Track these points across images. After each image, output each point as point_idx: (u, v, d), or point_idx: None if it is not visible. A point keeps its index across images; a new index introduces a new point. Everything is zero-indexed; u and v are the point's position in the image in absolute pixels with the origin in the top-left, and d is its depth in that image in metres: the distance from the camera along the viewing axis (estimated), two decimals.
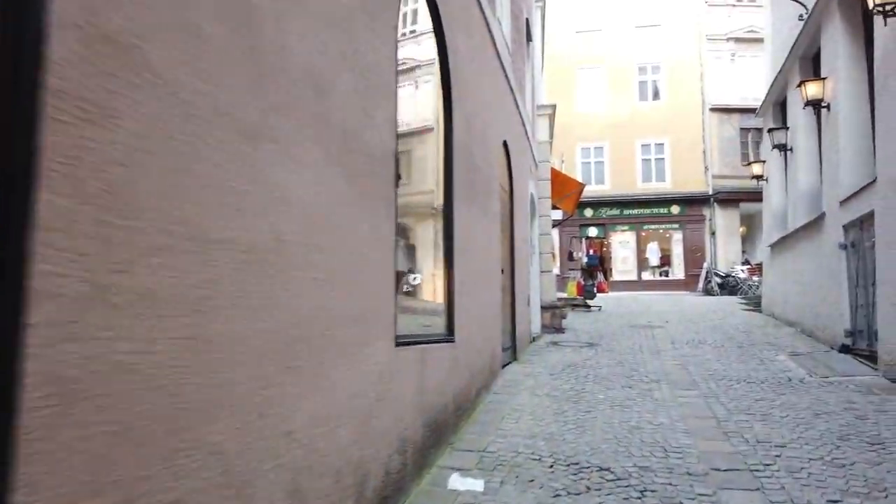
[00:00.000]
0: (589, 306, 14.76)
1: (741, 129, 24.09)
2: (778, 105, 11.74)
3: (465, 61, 5.04)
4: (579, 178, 25.03)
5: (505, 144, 7.38)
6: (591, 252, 14.91)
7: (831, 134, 8.09)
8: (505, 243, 7.54)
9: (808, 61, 9.68)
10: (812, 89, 8.21)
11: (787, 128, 10.25)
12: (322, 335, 2.35)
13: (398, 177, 3.34)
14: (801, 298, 9.55)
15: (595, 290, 14.65)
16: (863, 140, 7.63)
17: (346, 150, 2.61)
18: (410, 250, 4.41)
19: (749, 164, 12.71)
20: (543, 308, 11.08)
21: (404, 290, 4.06)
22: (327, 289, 2.38)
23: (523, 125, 9.19)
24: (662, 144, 24.49)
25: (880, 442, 4.19)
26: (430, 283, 4.55)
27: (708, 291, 20.81)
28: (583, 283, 14.87)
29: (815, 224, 8.80)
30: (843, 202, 7.62)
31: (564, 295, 15.47)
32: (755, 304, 14.42)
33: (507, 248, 7.66)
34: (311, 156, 2.31)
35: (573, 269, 15.33)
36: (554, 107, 12.13)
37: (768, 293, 12.16)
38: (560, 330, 10.99)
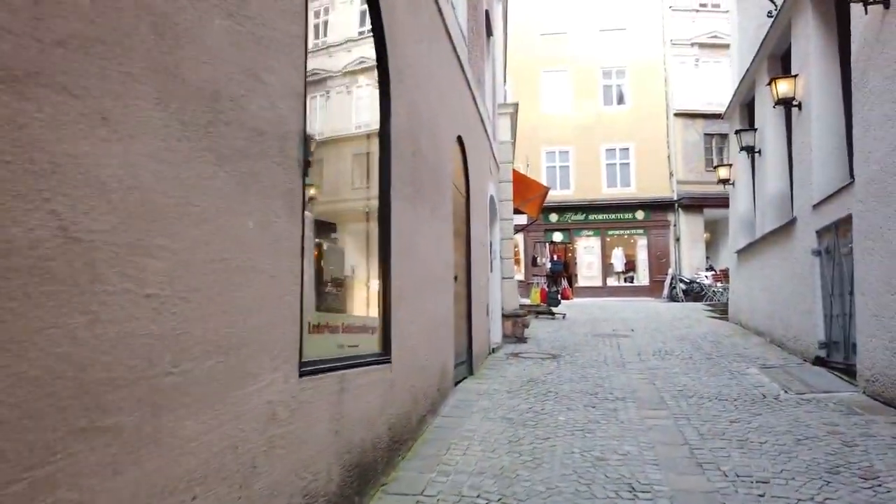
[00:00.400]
0: (553, 314, 14.26)
1: (705, 134, 24.04)
2: (745, 107, 11.42)
3: (408, 33, 4.41)
4: (544, 183, 24.69)
5: (460, 140, 6.78)
6: (555, 258, 14.40)
7: (803, 134, 7.70)
8: (460, 248, 6.93)
9: (776, 60, 9.32)
10: (783, 87, 7.82)
11: (755, 129, 9.90)
12: (165, 374, 1.67)
13: (307, 163, 2.68)
14: (771, 307, 9.16)
15: (559, 296, 14.15)
16: (836, 139, 7.24)
17: (215, 121, 1.94)
18: (338, 255, 3.75)
19: (716, 167, 12.38)
20: (505, 317, 10.51)
21: (326, 303, 3.39)
22: (174, 308, 1.71)
23: (482, 122, 8.61)
24: (627, 149, 24.27)
25: (874, 476, 3.68)
26: (363, 292, 3.89)
27: (673, 298, 20.58)
28: (546, 289, 14.34)
29: (786, 229, 8.41)
30: (817, 206, 7.21)
31: (528, 302, 14.94)
32: (721, 311, 14.10)
33: (462, 253, 7.04)
34: (149, 122, 1.64)
35: (538, 276, 14.81)
36: (516, 105, 11.60)
37: (735, 301, 11.81)
38: (522, 340, 10.42)
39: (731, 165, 12.00)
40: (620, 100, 24.68)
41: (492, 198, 9.94)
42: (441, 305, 5.37)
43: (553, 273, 14.48)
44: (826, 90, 7.30)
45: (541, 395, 6.13)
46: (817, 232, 7.20)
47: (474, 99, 7.76)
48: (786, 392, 6.03)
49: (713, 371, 7.30)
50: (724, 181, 12.07)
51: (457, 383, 6.48)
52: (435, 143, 5.34)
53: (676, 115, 23.94)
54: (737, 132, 10.19)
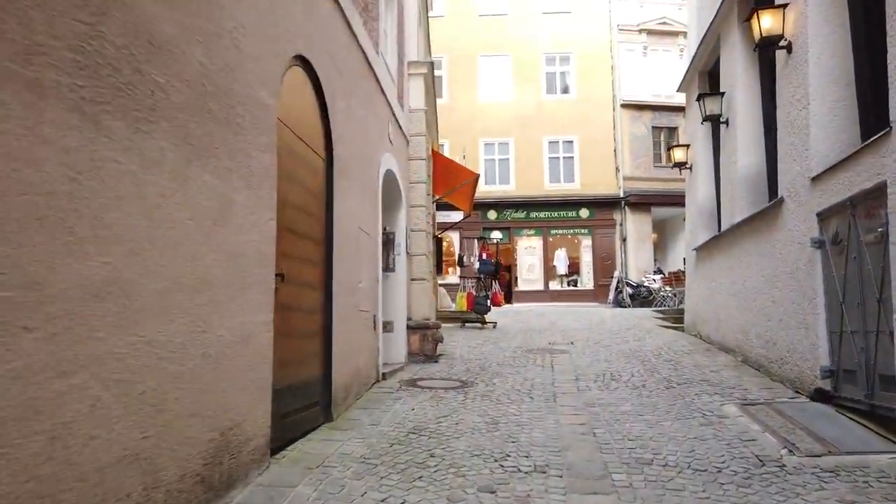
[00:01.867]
0: (483, 323, 12.07)
1: (653, 127, 22.46)
2: (706, 75, 9.49)
3: None
4: (482, 177, 22.60)
5: (306, 65, 4.44)
6: (485, 257, 12.19)
7: (794, 86, 5.69)
8: (310, 231, 4.59)
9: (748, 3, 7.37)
10: (767, 22, 5.80)
11: (722, 94, 7.92)
12: None
13: None
14: (744, 317, 7.16)
15: (488, 302, 11.96)
16: (843, 89, 5.25)
17: None
18: None
19: (670, 148, 10.42)
20: (412, 329, 8.22)
21: None
22: None
23: (368, 64, 6.30)
24: (571, 142, 22.44)
25: None
26: None
27: (619, 303, 18.74)
28: (474, 294, 12.15)
29: (767, 215, 6.42)
30: (818, 179, 5.20)
31: (454, 308, 12.70)
32: (675, 319, 12.20)
33: (316, 241, 4.70)
34: None
35: (466, 278, 12.60)
36: (430, 65, 9.33)
37: (693, 308, 9.85)
38: (432, 358, 8.15)
39: (687, 146, 10.07)
40: (564, 89, 22.83)
41: (392, 175, 7.64)
42: (217, 325, 3.01)
43: (482, 275, 12.25)
44: (830, 24, 5.31)
45: (415, 465, 3.83)
46: (819, 215, 5.18)
47: (348, 22, 5.43)
48: (791, 453, 3.91)
49: (677, 409, 5.18)
50: (680, 165, 10.13)
51: (293, 440, 4.12)
52: (210, 35, 3.01)
53: (623, 106, 22.26)
54: (699, 98, 8.19)
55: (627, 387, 6.20)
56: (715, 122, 8.13)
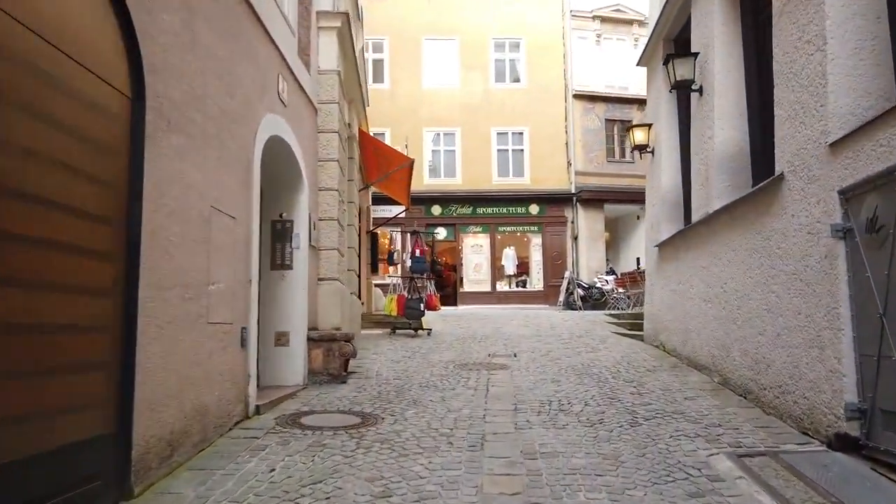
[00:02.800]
0: (416, 329, 10.45)
1: (607, 120, 21.29)
2: (671, 42, 8.12)
3: None
4: (426, 169, 21.03)
5: None
6: (418, 253, 10.57)
7: (804, 22, 4.27)
8: (91, 206, 2.88)
9: None
10: None
11: (696, 54, 6.52)
12: None
13: None
14: (724, 329, 5.75)
15: (422, 306, 10.35)
16: (871, 24, 3.85)
17: None
18: None
19: (629, 128, 9.01)
20: (315, 342, 6.53)
21: None
22: None
23: None
24: (521, 134, 21.06)
25: None
26: None
27: (569, 305, 17.42)
28: (406, 296, 10.53)
29: (756, 200, 5.01)
30: (840, 144, 3.78)
31: (383, 312, 11.06)
32: (631, 325, 10.85)
33: (99, 223, 2.99)
34: None
35: (395, 277, 10.93)
36: (346, 18, 7.63)
37: (655, 315, 8.46)
38: (338, 378, 6.49)
39: (649, 126, 8.69)
40: (514, 77, 21.44)
41: (284, 145, 5.94)
42: None
43: (414, 274, 10.62)
44: None
45: None
46: (843, 193, 3.75)
47: None
48: None
49: (650, 465, 3.67)
50: (640, 148, 8.74)
51: None
52: None
53: (576, 96, 21.01)
54: (666, 61, 6.76)
55: (580, 422, 4.68)
56: (685, 92, 6.73)
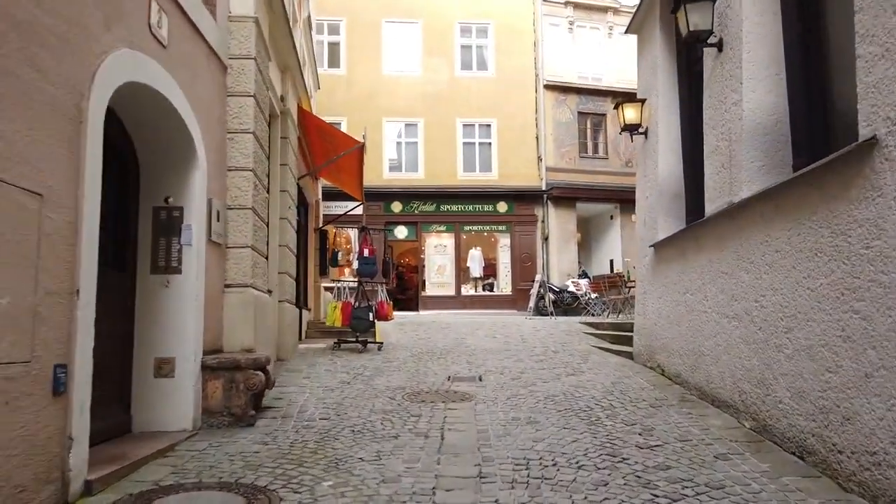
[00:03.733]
0: (365, 343, 8.82)
1: (579, 113, 19.97)
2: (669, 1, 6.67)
3: None
4: (386, 162, 19.38)
5: None
6: (367, 253, 8.92)
7: None
8: None
9: None
10: None
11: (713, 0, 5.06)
12: None
13: None
14: (761, 357, 4.28)
15: (372, 316, 8.72)
16: None
17: None
18: None
19: (617, 105, 7.55)
20: (212, 370, 4.86)
21: None
22: None
23: None
24: (489, 126, 19.59)
25: None
26: None
27: (540, 311, 15.97)
28: (353, 304, 8.89)
29: (825, 179, 3.54)
30: None
31: (326, 323, 9.37)
32: (614, 338, 9.42)
33: None
34: None
35: (340, 281, 9.21)
36: None
37: (649, 330, 6.99)
38: (244, 419, 4.83)
39: (641, 102, 7.24)
40: (482, 65, 19.96)
41: (160, 100, 4.26)
42: None
43: (363, 278, 8.97)
44: None
45: None
46: None
47: None
48: None
49: None
50: (631, 129, 7.28)
51: None
52: None
53: (547, 87, 19.64)
54: (675, 8, 5.26)
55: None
56: (701, 44, 5.26)
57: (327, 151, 9.77)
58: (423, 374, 7.17)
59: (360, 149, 9.36)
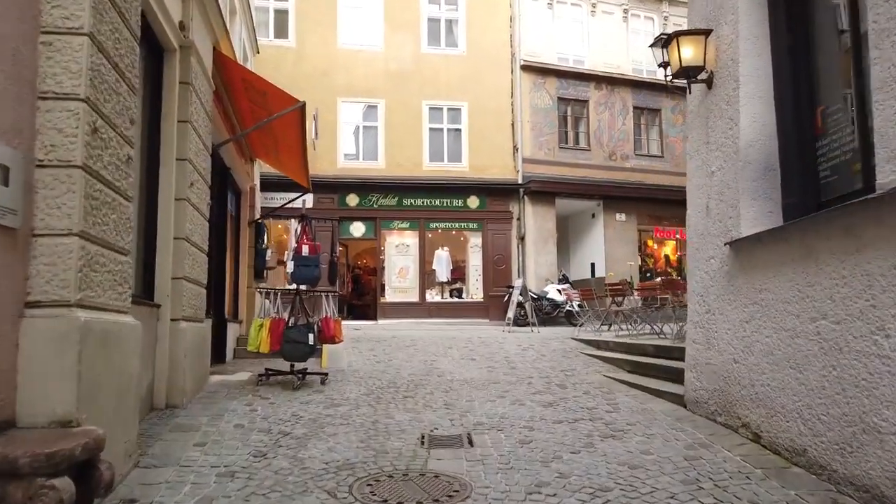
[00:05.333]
0: (301, 376, 6.36)
1: (559, 98, 17.86)
2: None
3: None
4: (341, 149, 16.88)
5: None
6: (305, 251, 6.43)
7: None
8: None
9: None
10: None
11: None
12: None
13: None
14: None
15: (312, 338, 6.26)
16: None
17: None
18: None
19: (669, 40, 5.25)
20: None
21: None
22: None
23: None
24: (459, 110, 17.30)
25: None
26: None
27: (518, 322, 13.70)
28: (285, 322, 6.42)
29: None
30: None
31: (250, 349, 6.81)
32: (633, 365, 7.19)
33: None
34: None
35: (265, 290, 6.67)
36: None
37: (724, 366, 4.69)
38: None
39: (706, 34, 4.99)
40: (451, 40, 17.65)
41: None
42: None
43: (300, 286, 6.46)
44: None
45: None
46: None
47: None
48: None
49: None
50: (690, 73, 5.02)
51: None
52: None
53: (524, 68, 17.46)
54: None
55: None
56: None
57: (256, 113, 7.30)
58: (383, 431, 4.79)
59: (301, 114, 6.90)
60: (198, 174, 5.91)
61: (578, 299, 13.06)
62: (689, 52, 4.98)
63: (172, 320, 5.34)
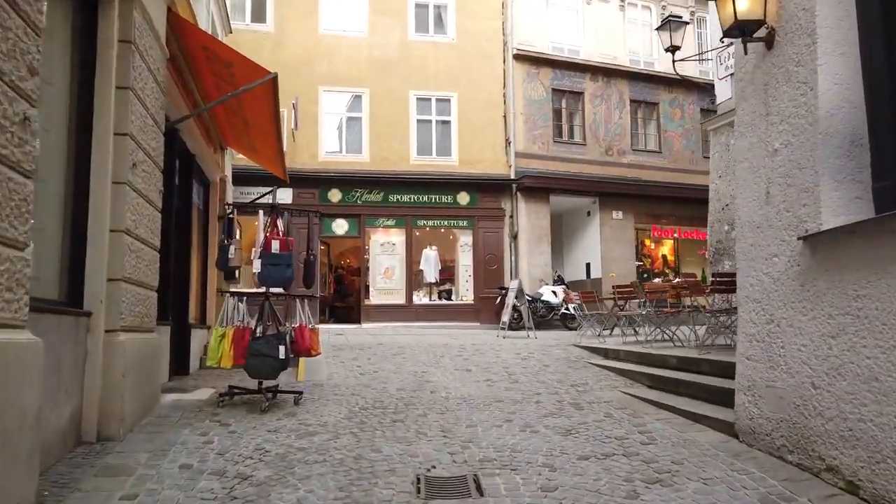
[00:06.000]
0: (270, 395, 5.35)
1: (554, 90, 16.97)
2: None
3: None
4: (323, 141, 15.83)
5: None
6: (275, 247, 5.42)
7: None
8: None
9: None
10: None
11: None
12: None
13: None
14: None
15: (284, 350, 5.26)
16: None
17: None
18: None
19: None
20: None
21: None
22: None
23: None
24: (448, 101, 16.35)
25: None
26: None
27: (511, 325, 12.74)
28: (252, 332, 5.40)
29: None
30: None
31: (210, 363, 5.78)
32: (654, 380, 6.28)
33: None
34: None
35: (229, 293, 5.64)
36: None
37: (795, 391, 3.78)
38: None
39: None
40: (441, 27, 16.68)
41: None
42: None
43: (269, 288, 5.45)
44: None
45: None
46: None
47: None
48: None
49: None
50: (747, 29, 4.10)
51: None
52: None
53: (517, 57, 16.55)
54: None
55: None
56: None
57: (223, 89, 6.29)
58: (367, 472, 3.80)
59: (273, 88, 5.89)
60: (144, 154, 4.88)
61: (578, 302, 12.12)
62: (744, 2, 4.06)
63: (107, 332, 4.31)
